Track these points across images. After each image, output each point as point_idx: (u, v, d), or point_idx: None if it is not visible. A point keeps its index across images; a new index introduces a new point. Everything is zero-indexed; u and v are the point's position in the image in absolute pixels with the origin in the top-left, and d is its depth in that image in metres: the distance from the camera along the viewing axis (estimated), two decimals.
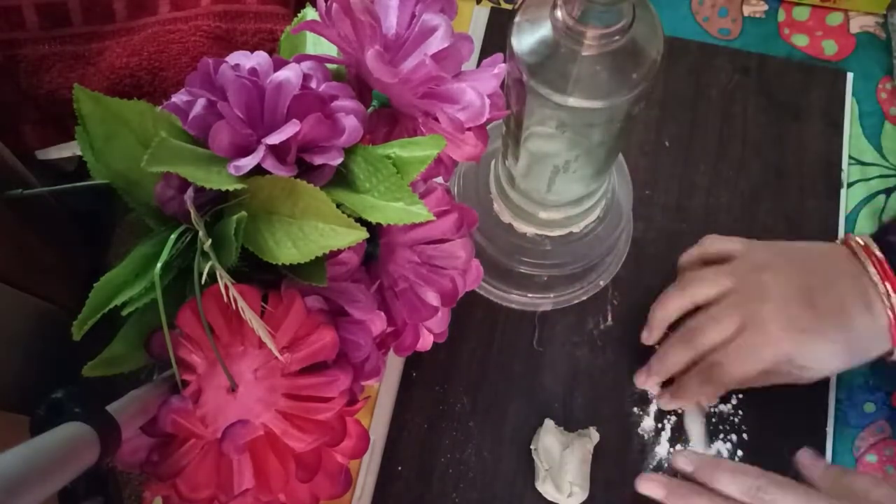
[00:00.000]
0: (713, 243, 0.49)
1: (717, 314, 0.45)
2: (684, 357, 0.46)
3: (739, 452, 0.48)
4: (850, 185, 0.55)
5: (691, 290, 0.47)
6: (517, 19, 0.34)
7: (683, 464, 0.44)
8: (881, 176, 0.55)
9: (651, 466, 0.48)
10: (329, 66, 0.36)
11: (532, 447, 0.47)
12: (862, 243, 0.44)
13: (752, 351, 0.44)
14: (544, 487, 0.46)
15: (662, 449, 0.48)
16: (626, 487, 0.46)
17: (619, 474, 0.47)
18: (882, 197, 0.54)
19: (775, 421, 0.48)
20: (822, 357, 0.44)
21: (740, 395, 0.49)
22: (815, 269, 0.45)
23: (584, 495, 0.46)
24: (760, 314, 0.44)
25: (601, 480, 0.47)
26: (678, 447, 0.48)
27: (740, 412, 0.48)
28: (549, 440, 0.47)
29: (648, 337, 0.49)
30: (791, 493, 0.40)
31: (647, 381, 0.49)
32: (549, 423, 0.48)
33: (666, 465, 0.48)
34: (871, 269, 0.43)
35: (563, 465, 0.46)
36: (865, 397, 0.49)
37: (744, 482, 0.41)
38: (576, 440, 0.47)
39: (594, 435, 0.48)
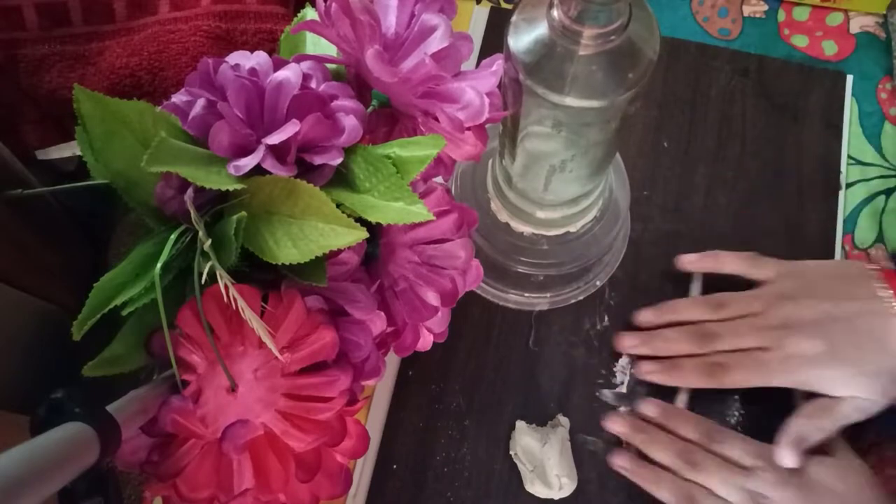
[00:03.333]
0: (729, 264, 0.49)
1: (738, 329, 0.46)
2: (689, 350, 0.47)
3: None
4: (849, 185, 0.55)
5: (727, 308, 0.47)
6: (514, 18, 0.34)
7: (648, 409, 0.47)
8: (881, 176, 0.55)
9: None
10: (329, 65, 0.36)
11: (512, 452, 0.47)
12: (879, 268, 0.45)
13: (765, 370, 0.45)
14: (534, 488, 0.46)
15: None
16: (621, 480, 0.47)
17: (614, 469, 0.47)
18: (882, 198, 0.55)
19: (776, 421, 0.48)
20: (834, 384, 0.44)
21: (739, 403, 0.49)
22: (838, 301, 0.45)
23: (573, 484, 0.46)
24: (784, 342, 0.45)
25: (594, 474, 0.47)
26: None
27: (737, 414, 0.48)
28: (526, 440, 0.47)
29: (647, 320, 0.50)
30: (740, 443, 0.44)
31: (636, 348, 0.49)
32: (520, 425, 0.48)
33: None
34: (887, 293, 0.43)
35: (545, 461, 0.46)
36: None
37: (702, 427, 0.45)
38: (550, 433, 0.47)
39: (564, 421, 0.48)
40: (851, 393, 0.43)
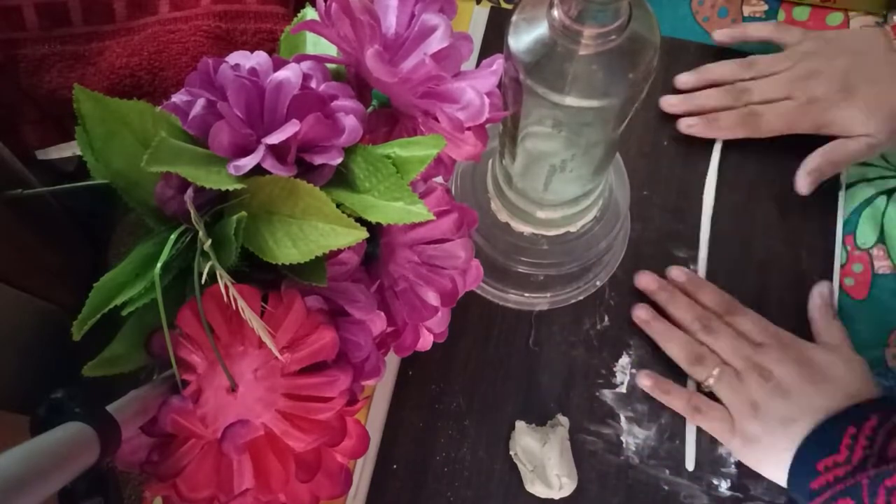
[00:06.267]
0: (758, 30, 0.56)
1: (768, 82, 0.53)
2: (725, 103, 0.54)
3: (733, 457, 0.47)
4: (850, 185, 0.55)
5: (757, 66, 0.54)
6: (514, 18, 0.34)
7: (675, 274, 0.51)
8: (882, 177, 0.55)
9: (648, 463, 0.48)
10: (329, 65, 0.36)
11: (512, 453, 0.47)
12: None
13: (792, 116, 0.52)
14: (534, 488, 0.46)
15: (661, 447, 0.48)
16: (621, 480, 0.47)
17: (614, 469, 0.47)
18: (883, 198, 0.54)
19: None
20: (852, 123, 0.50)
21: None
22: (857, 54, 0.52)
23: (573, 484, 0.46)
24: (808, 89, 0.51)
25: (594, 474, 0.47)
26: (677, 442, 0.48)
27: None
28: (526, 440, 0.47)
29: (686, 81, 0.56)
30: (753, 319, 0.48)
31: (676, 106, 0.55)
32: (520, 425, 0.48)
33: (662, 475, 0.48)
34: None
35: (545, 461, 0.46)
36: None
37: (723, 299, 0.49)
38: (550, 433, 0.47)
39: (564, 421, 0.48)
40: (866, 131, 0.50)
